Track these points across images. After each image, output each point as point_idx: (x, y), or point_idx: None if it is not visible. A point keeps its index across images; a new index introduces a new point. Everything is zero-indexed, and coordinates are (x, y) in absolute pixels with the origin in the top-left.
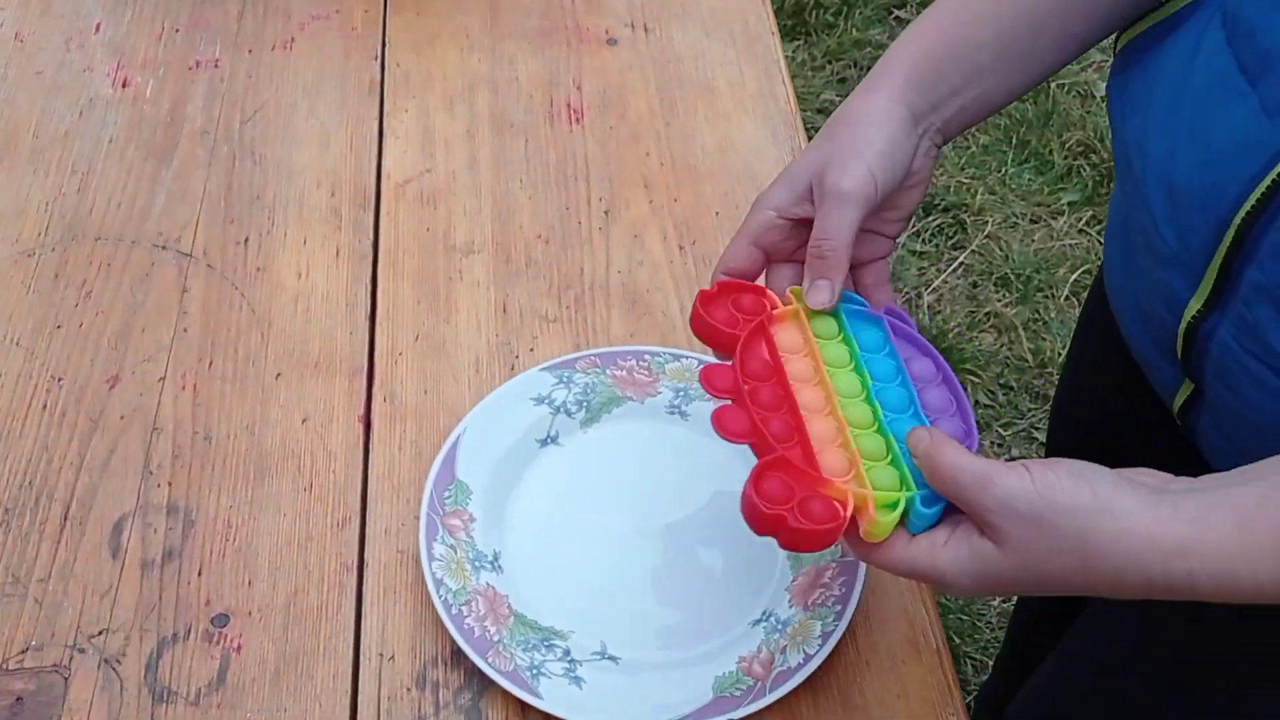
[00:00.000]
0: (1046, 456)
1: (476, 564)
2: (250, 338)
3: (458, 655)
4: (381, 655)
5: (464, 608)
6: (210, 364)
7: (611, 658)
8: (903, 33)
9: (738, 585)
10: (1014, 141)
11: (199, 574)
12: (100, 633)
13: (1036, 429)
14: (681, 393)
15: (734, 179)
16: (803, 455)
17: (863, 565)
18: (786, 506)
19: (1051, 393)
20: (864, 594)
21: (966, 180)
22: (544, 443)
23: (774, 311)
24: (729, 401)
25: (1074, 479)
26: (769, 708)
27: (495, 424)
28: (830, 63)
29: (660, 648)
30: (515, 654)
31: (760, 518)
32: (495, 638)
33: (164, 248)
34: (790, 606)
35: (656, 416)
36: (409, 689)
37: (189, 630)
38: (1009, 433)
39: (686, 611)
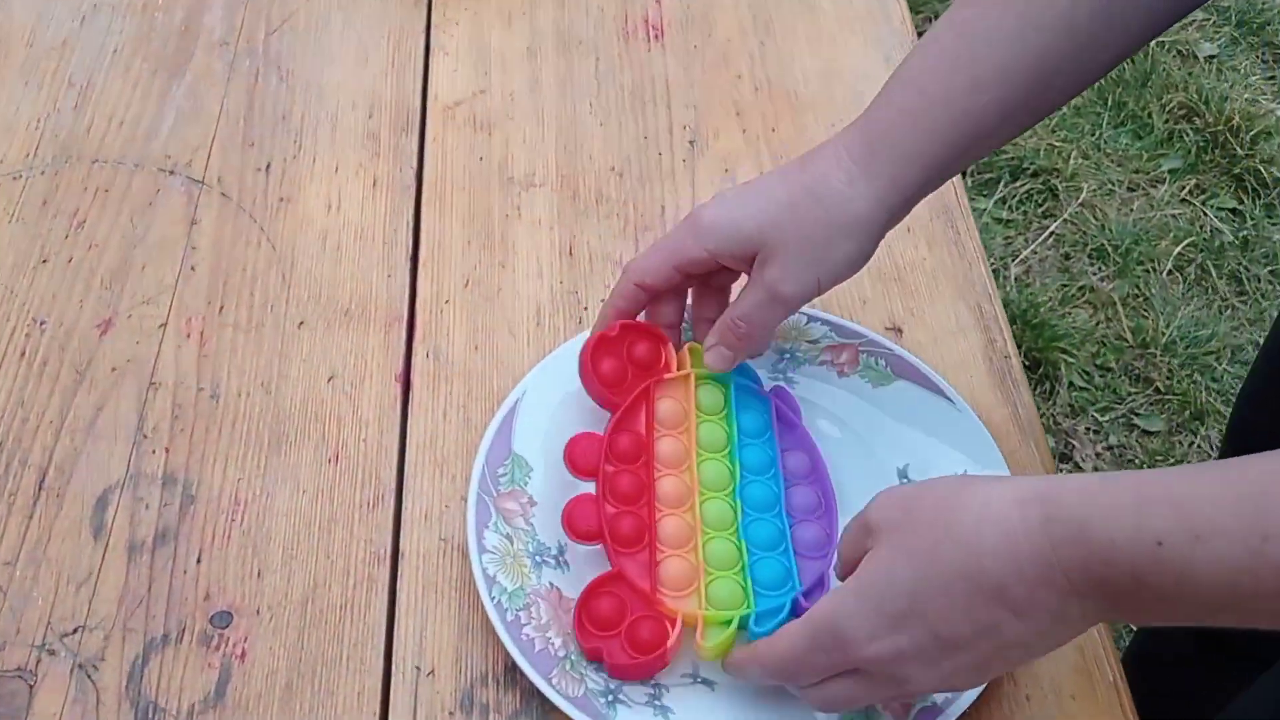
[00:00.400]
0: (1225, 454)
1: (538, 559)
2: (269, 280)
3: (513, 672)
4: (419, 669)
5: (522, 613)
6: (220, 309)
7: (706, 681)
8: (900, 75)
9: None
10: (1109, 103)
11: (198, 561)
12: (75, 630)
13: (1137, 414)
14: (787, 354)
15: (841, 109)
16: (647, 563)
17: None
18: (614, 632)
19: (1154, 375)
20: None
21: (1058, 143)
22: None
23: (664, 376)
24: (587, 484)
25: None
26: None
27: (560, 388)
28: None
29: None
30: (586, 674)
31: (583, 645)
32: (560, 653)
33: (172, 173)
34: None
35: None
36: (451, 713)
37: (183, 631)
38: (1106, 418)
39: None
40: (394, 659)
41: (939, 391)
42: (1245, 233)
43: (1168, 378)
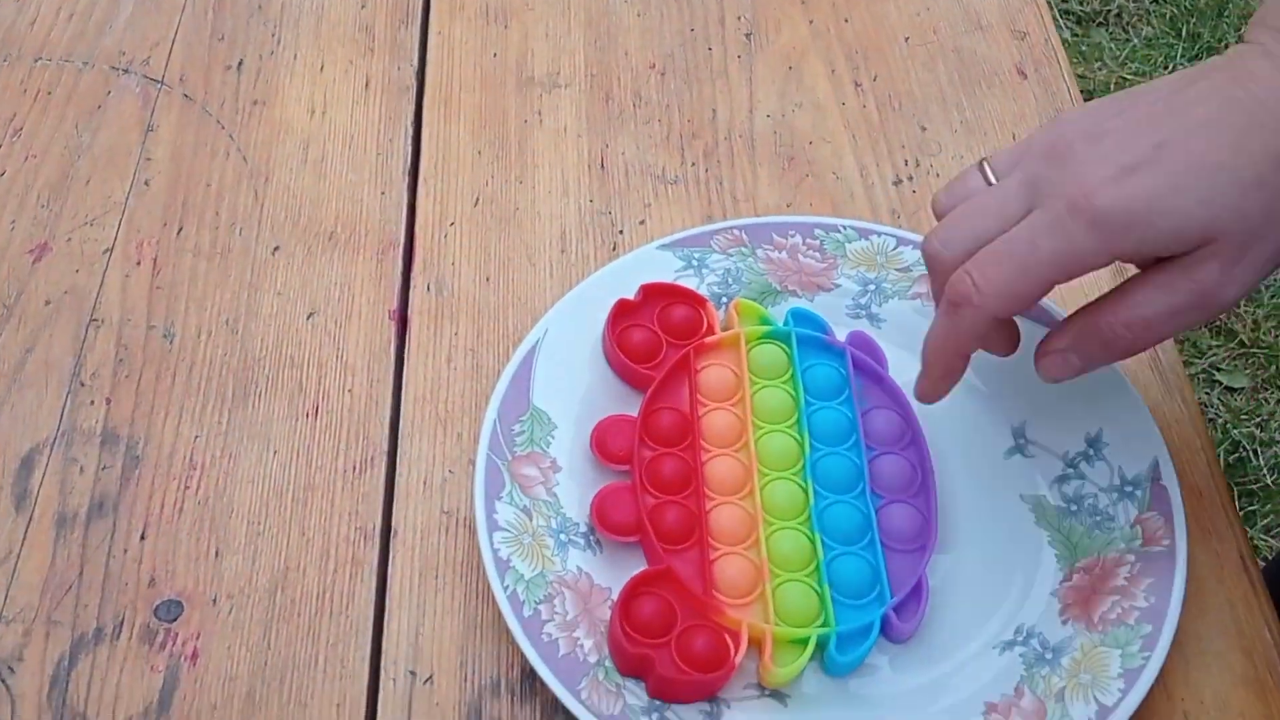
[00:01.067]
0: None
1: (563, 538)
2: (239, 196)
3: (531, 680)
4: (414, 674)
5: (542, 606)
6: (179, 231)
7: (776, 695)
8: None
9: (975, 582)
10: (1183, 34)
11: (141, 538)
12: None
13: (1219, 370)
14: (872, 287)
15: None
16: (698, 562)
17: (1180, 558)
18: (662, 641)
19: (1237, 327)
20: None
21: (1129, 76)
22: None
23: (707, 339)
24: (622, 475)
25: None
26: None
27: (591, 328)
28: None
29: (852, 681)
30: (625, 686)
31: (624, 654)
32: (592, 657)
33: (126, 71)
34: (1064, 623)
35: (835, 319)
36: None
37: (121, 625)
38: (1188, 371)
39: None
40: (383, 661)
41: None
42: None
43: (1252, 330)
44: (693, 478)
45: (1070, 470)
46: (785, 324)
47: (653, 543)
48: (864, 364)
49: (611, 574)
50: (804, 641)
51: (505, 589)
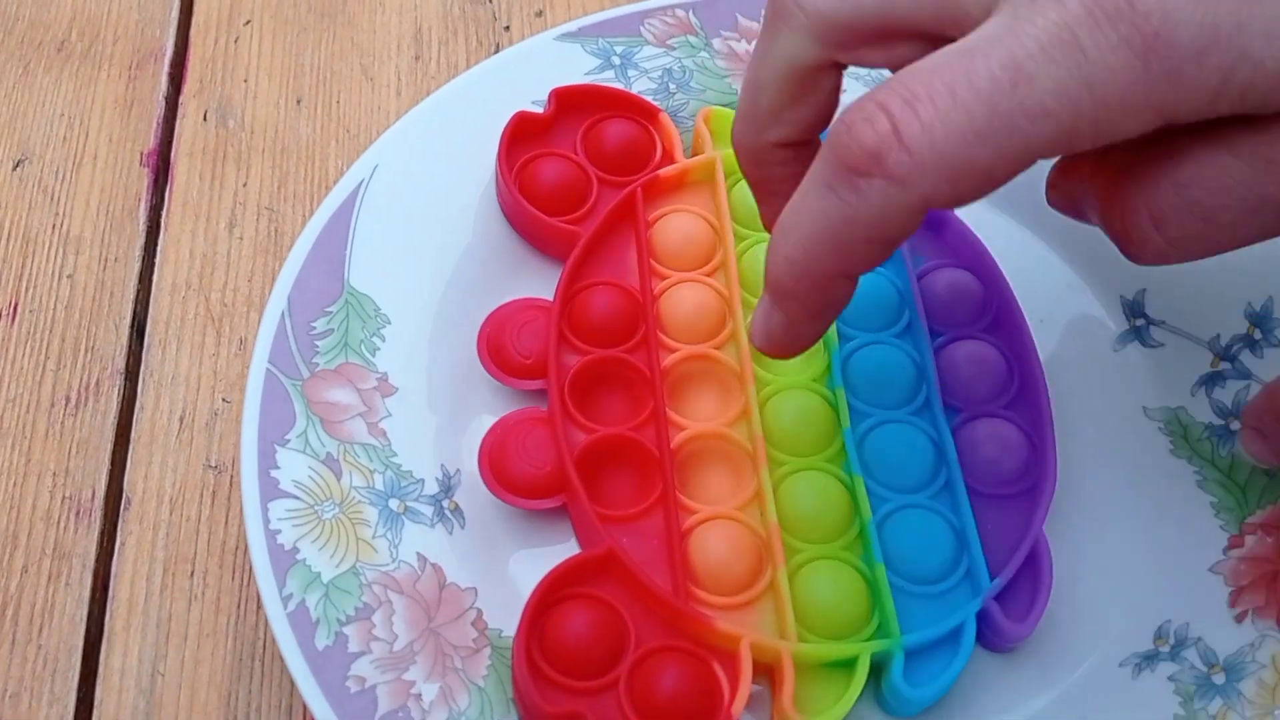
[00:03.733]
0: None
1: (393, 506)
2: None
3: None
4: None
5: (351, 629)
6: None
7: None
8: None
9: (1085, 558)
10: None
11: None
12: None
13: None
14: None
15: None
16: (661, 536)
17: None
18: (603, 681)
19: None
20: None
21: None
22: None
23: (663, 171)
24: (535, 397)
25: None
26: None
27: (450, 164)
28: None
29: None
30: None
31: (537, 712)
32: (439, 717)
33: None
34: (1239, 620)
35: None
36: None
37: None
38: None
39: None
40: (96, 715)
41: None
42: None
43: None
44: (649, 395)
45: (1227, 365)
46: None
47: (584, 507)
48: (930, 278)
49: (483, 567)
50: (849, 664)
51: (286, 601)
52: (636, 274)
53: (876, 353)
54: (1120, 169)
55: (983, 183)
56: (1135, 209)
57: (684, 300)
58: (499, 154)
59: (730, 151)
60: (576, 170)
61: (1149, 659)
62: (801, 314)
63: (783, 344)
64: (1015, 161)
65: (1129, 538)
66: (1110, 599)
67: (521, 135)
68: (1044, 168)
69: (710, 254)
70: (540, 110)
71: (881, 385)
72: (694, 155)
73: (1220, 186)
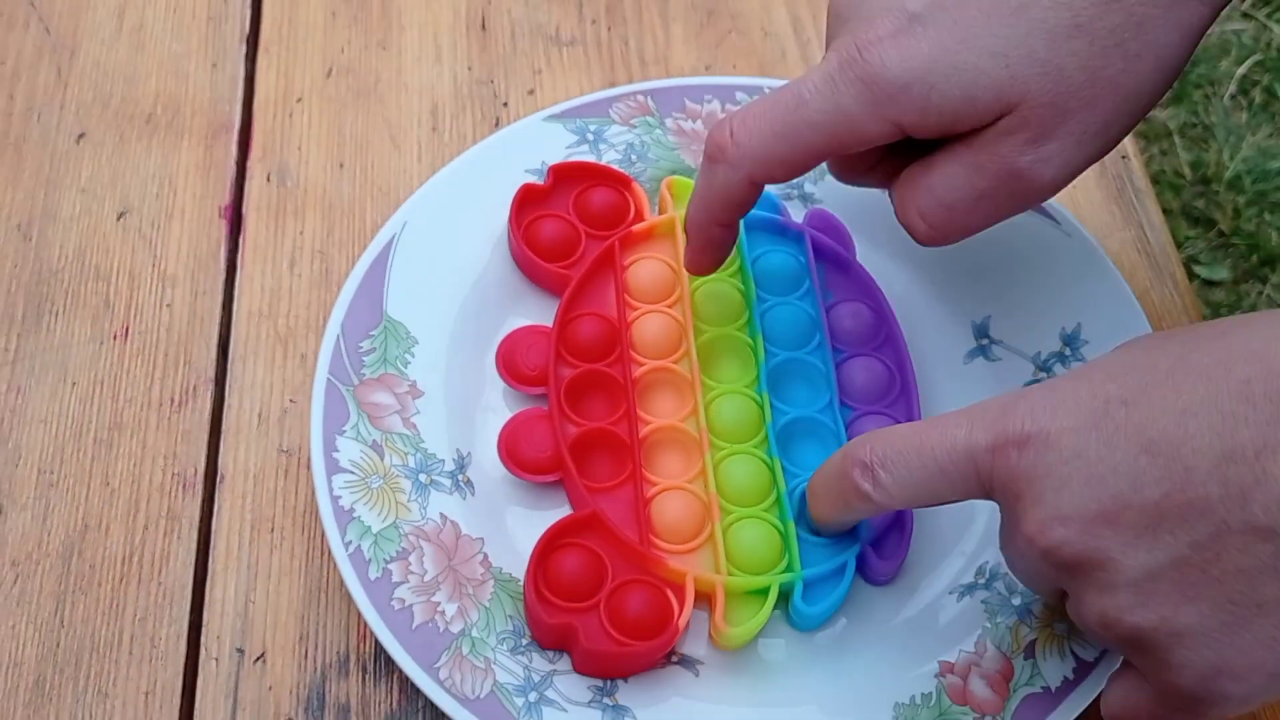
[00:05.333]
0: None
1: (421, 479)
2: (38, 76)
3: (386, 658)
4: (241, 652)
5: (394, 566)
6: None
7: (688, 661)
8: None
9: (932, 515)
10: None
11: None
12: None
13: (1197, 262)
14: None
15: None
16: (631, 502)
17: None
18: (588, 604)
19: (1216, 215)
20: None
21: None
22: None
23: (635, 227)
24: (538, 399)
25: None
26: None
27: (462, 219)
28: None
29: (775, 640)
30: (496, 661)
31: (541, 625)
32: (455, 626)
33: None
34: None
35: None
36: (291, 719)
37: None
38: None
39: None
40: (203, 638)
41: (1037, 208)
42: None
43: (1233, 218)
44: (623, 398)
45: (1043, 375)
46: None
47: (575, 481)
48: (827, 249)
49: (487, 522)
50: (764, 592)
51: (347, 545)
52: (615, 306)
53: (794, 365)
54: (901, 181)
55: (784, 167)
56: (907, 208)
57: (650, 326)
58: (510, 215)
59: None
60: (569, 228)
61: (970, 588)
62: (701, 246)
63: (692, 265)
64: (805, 153)
65: (967, 503)
66: (950, 547)
67: (527, 201)
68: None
69: (671, 290)
70: (538, 179)
71: (798, 389)
72: (660, 214)
73: (953, 186)
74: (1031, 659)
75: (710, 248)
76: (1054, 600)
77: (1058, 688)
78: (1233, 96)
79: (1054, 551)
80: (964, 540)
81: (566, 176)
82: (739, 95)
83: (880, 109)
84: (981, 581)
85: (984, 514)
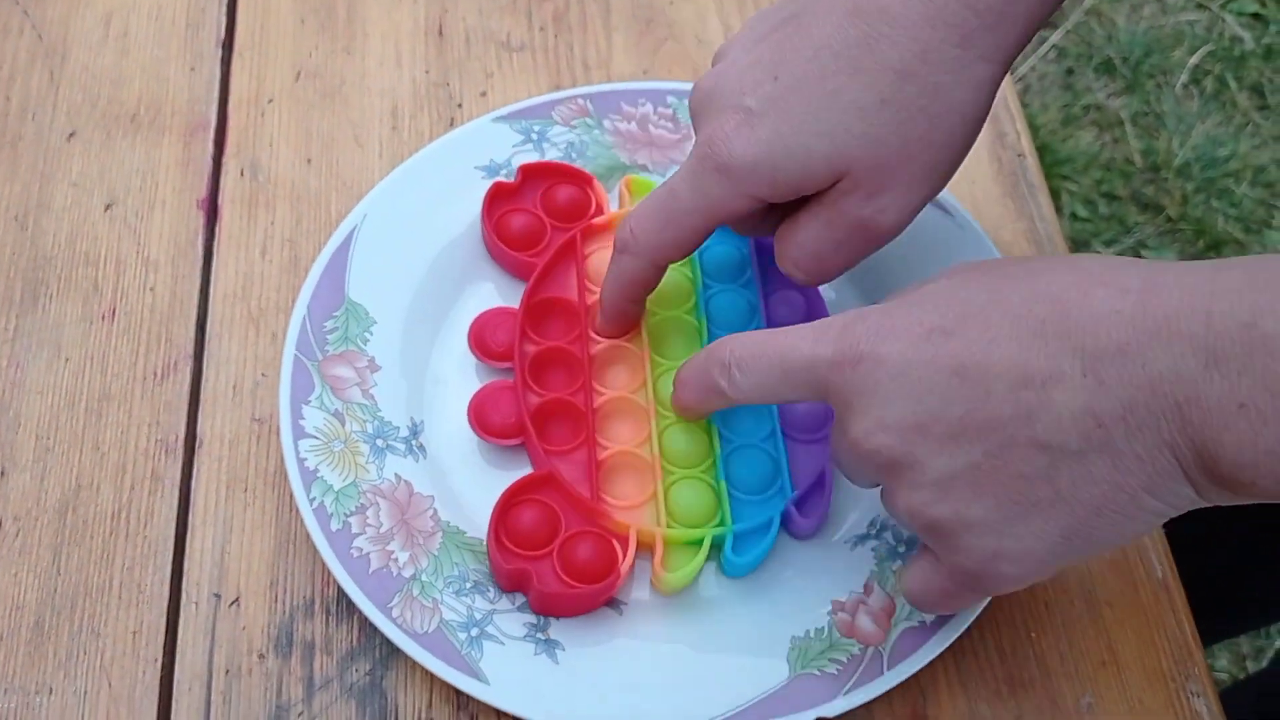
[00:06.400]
0: None
1: (378, 443)
2: (31, 79)
3: (347, 600)
4: (218, 597)
5: (353, 519)
6: None
7: (614, 602)
8: None
9: (841, 476)
10: None
11: None
12: None
13: (1146, 246)
14: None
15: None
16: (585, 464)
17: None
18: (543, 552)
19: (1165, 201)
20: None
21: None
22: None
23: (595, 220)
24: (505, 373)
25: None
26: (891, 693)
27: (416, 211)
28: None
29: (689, 586)
30: (442, 601)
31: (499, 570)
32: (407, 571)
33: None
34: None
35: None
36: (262, 655)
37: None
38: (1113, 251)
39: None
40: (184, 584)
41: (934, 202)
42: (1269, 40)
43: (1181, 204)
44: (581, 372)
45: None
46: None
47: (535, 445)
48: (766, 244)
49: (437, 482)
50: (698, 543)
51: (312, 501)
52: (576, 291)
53: None
54: (777, 240)
55: (677, 248)
56: (784, 259)
57: None
58: (483, 209)
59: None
60: (536, 220)
61: (863, 538)
62: (614, 319)
63: (605, 332)
64: (690, 234)
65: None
66: (849, 504)
67: (499, 196)
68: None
69: None
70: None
71: None
72: (620, 208)
73: (816, 239)
74: None
75: (622, 320)
76: (867, 488)
77: (931, 622)
78: (1184, 86)
79: (874, 454)
80: (861, 498)
81: (535, 175)
82: (669, 99)
83: (738, 187)
84: (873, 532)
85: None
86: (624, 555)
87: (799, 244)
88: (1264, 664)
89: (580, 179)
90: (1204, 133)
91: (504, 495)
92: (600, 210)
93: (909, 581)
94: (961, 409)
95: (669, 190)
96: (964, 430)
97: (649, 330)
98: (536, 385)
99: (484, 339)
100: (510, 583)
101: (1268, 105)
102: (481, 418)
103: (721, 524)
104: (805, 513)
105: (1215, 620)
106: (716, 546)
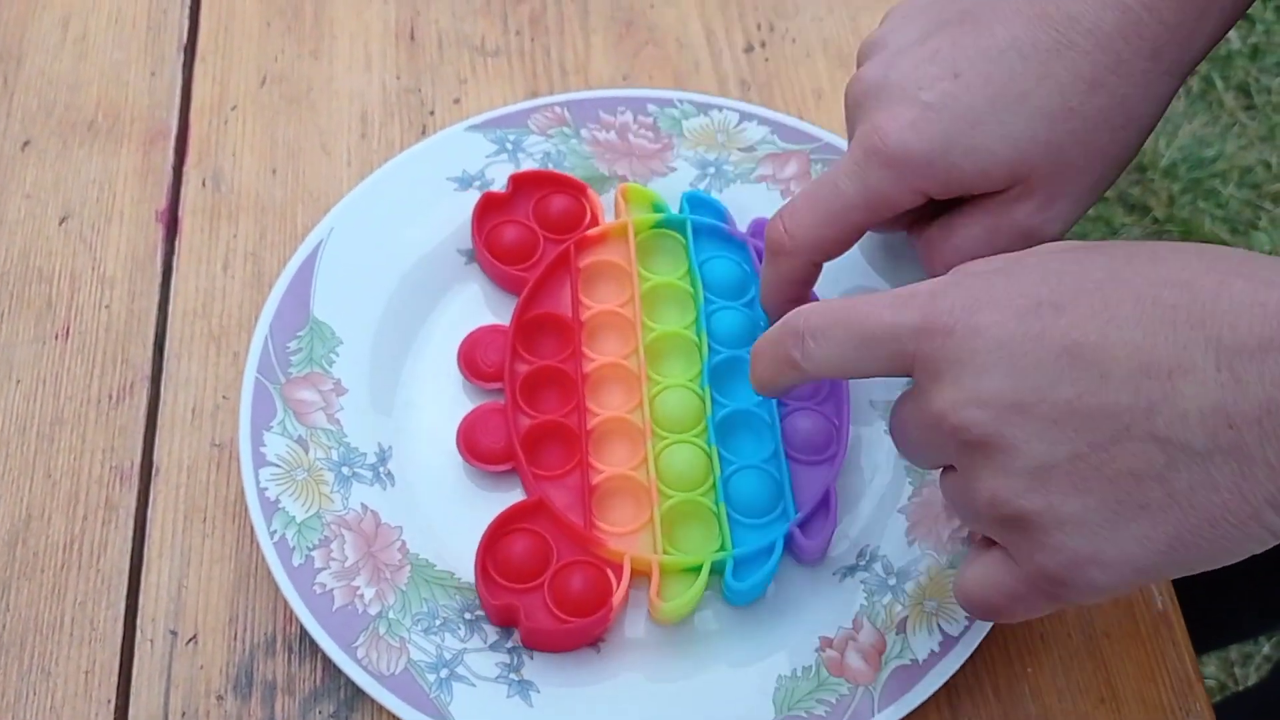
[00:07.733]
0: None
1: (344, 471)
2: None
3: (309, 638)
4: (174, 634)
5: (316, 553)
6: None
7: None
8: None
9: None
10: None
11: None
12: None
13: None
14: (712, 170)
15: None
16: (578, 489)
17: None
18: (533, 584)
19: (1151, 202)
20: None
21: None
22: (471, 257)
23: (590, 231)
24: (496, 394)
25: None
26: None
27: (386, 224)
28: None
29: (671, 623)
30: (410, 640)
31: (486, 605)
32: (373, 609)
33: None
34: (910, 544)
35: (671, 206)
36: (220, 696)
37: None
38: None
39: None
40: (139, 620)
41: None
42: (1255, 40)
43: (1168, 205)
44: (574, 392)
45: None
46: (680, 210)
47: (525, 470)
48: None
49: (406, 511)
50: (697, 570)
51: (273, 535)
52: (570, 306)
53: (736, 363)
54: (927, 240)
55: (836, 245)
56: (936, 257)
57: (602, 324)
58: (472, 221)
59: (639, 217)
60: (528, 232)
61: (851, 569)
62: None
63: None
64: (850, 230)
65: (855, 491)
66: (845, 534)
67: (489, 207)
68: None
69: (623, 290)
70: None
71: (736, 385)
72: (615, 218)
73: (975, 240)
74: (903, 634)
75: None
76: (928, 469)
77: (924, 660)
78: None
79: (961, 430)
80: (848, 525)
81: (527, 183)
82: (650, 107)
83: (908, 182)
84: (863, 563)
85: (869, 503)
86: (618, 585)
87: (956, 246)
88: (1251, 670)
89: (574, 188)
90: (1190, 133)
91: (492, 525)
92: (595, 220)
93: (969, 582)
94: (1071, 392)
95: (830, 186)
96: (1071, 415)
97: (646, 347)
98: (528, 406)
99: (474, 359)
100: (500, 617)
101: (1254, 105)
102: (471, 443)
103: (722, 549)
104: (810, 535)
105: (1204, 631)
106: (715, 574)
